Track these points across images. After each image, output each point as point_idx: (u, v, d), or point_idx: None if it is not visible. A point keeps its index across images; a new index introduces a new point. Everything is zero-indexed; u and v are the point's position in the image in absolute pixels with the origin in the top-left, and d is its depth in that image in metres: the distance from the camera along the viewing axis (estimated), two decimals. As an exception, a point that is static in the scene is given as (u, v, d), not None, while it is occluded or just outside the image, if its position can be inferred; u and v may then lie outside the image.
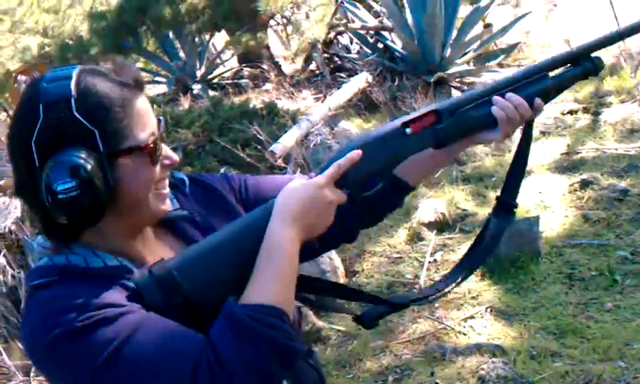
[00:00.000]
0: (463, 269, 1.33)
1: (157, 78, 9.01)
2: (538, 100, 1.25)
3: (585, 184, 4.37)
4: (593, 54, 1.28)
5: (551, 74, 1.29)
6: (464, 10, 7.53)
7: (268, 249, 1.06)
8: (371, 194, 1.19)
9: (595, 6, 7.27)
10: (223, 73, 8.92)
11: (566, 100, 6.12)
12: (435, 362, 3.02)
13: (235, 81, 8.49)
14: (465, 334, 3.23)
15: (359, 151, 1.16)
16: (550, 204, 4.31)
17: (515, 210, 1.31)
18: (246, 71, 8.73)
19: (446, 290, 1.33)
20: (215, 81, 8.62)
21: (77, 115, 1.01)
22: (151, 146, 1.08)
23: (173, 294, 1.03)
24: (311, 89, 7.64)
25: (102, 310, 0.99)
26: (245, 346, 0.98)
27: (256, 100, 6.81)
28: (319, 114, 5.76)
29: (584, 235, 3.90)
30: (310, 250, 1.19)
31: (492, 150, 5.16)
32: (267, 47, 8.52)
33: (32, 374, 3.04)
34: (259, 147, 4.96)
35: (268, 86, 7.96)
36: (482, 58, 7.24)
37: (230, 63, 9.18)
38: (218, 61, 8.81)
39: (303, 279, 1.23)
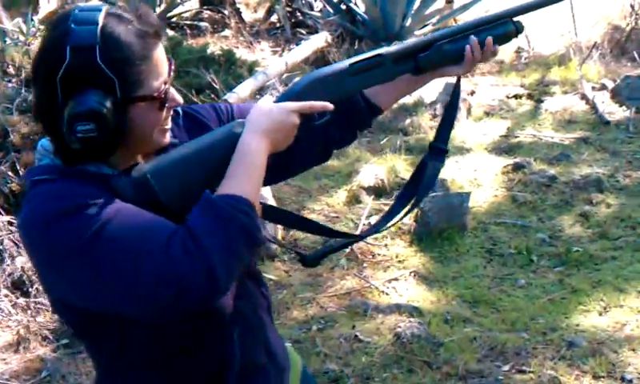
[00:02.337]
0: (403, 204, 1.53)
1: (115, 10, 8.85)
2: (497, 46, 1.47)
3: (517, 167, 4.63)
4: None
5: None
6: (428, -18, 7.64)
7: (240, 155, 1.20)
8: (320, 123, 1.36)
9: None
10: (183, 13, 8.84)
11: (512, 84, 6.37)
12: (357, 316, 3.24)
13: (194, 22, 8.44)
14: (387, 294, 3.45)
15: (331, 106, 1.33)
16: (482, 182, 4.56)
17: (446, 154, 1.52)
18: (206, 14, 8.68)
19: (390, 225, 1.53)
20: (174, 20, 8.54)
21: (100, 63, 1.12)
22: (163, 95, 1.20)
23: (146, 193, 1.16)
24: (270, 41, 7.68)
25: (89, 198, 1.11)
26: (218, 225, 1.09)
27: (214, 45, 6.82)
28: (276, 68, 5.85)
29: (509, 215, 4.17)
30: (283, 168, 1.40)
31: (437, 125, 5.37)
32: (231, -8, 8.48)
33: None
34: (213, 96, 5.03)
35: (227, 32, 7.96)
36: (440, 32, 7.41)
37: (191, 4, 9.08)
38: (178, 0, 8.72)
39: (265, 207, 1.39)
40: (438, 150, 1.52)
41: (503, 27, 1.48)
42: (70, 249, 1.09)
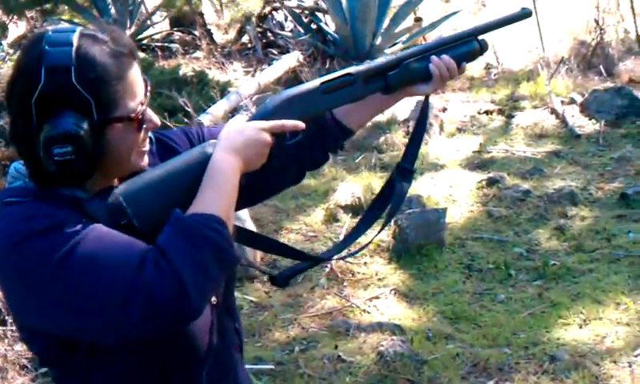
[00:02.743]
0: (367, 225, 1.51)
1: (84, 32, 8.76)
2: (464, 63, 1.49)
3: (491, 182, 4.67)
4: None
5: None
6: (397, 1, 7.74)
7: (211, 173, 1.18)
8: (292, 143, 1.36)
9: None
10: (153, 35, 8.80)
11: (483, 100, 6.45)
12: (339, 336, 3.22)
13: (165, 44, 8.41)
14: (369, 313, 3.44)
15: (302, 124, 1.33)
16: (457, 198, 4.59)
17: (413, 175, 1.53)
18: (177, 36, 8.66)
19: (361, 248, 1.54)
20: (145, 42, 8.50)
21: (75, 84, 1.09)
22: (140, 116, 1.17)
23: (119, 218, 1.14)
24: (242, 61, 7.68)
25: (62, 220, 1.09)
26: (189, 244, 1.08)
27: (186, 67, 6.81)
28: (248, 88, 5.85)
29: (486, 230, 4.20)
30: (260, 189, 1.40)
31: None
32: (201, 14, 8.47)
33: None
34: (186, 120, 5.00)
35: (199, 53, 7.94)
36: (410, 50, 7.49)
37: (161, 26, 9.06)
38: (149, 22, 8.69)
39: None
40: (404, 170, 1.52)
41: (468, 45, 1.51)
42: (40, 269, 1.07)
